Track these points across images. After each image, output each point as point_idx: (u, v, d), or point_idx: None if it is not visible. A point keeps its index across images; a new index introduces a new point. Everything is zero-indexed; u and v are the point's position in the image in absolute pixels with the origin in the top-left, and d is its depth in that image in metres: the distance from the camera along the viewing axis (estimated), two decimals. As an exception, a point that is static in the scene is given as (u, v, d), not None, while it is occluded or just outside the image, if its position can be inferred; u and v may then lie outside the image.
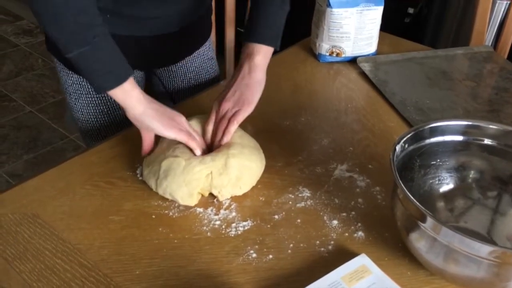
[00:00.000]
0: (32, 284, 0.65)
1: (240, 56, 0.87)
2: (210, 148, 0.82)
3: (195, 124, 0.84)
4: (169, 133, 0.77)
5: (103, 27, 0.74)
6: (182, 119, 0.80)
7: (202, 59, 1.11)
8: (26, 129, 2.21)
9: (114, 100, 1.00)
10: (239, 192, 0.77)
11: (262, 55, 0.85)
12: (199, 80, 1.12)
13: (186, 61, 1.09)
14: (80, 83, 0.98)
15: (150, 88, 1.16)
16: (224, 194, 0.76)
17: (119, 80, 0.74)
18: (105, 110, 1.01)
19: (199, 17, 1.03)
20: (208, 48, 1.13)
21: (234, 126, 0.80)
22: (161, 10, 0.91)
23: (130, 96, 0.75)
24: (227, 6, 1.34)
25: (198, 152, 0.78)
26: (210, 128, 0.83)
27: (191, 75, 1.11)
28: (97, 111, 1.00)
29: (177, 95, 1.13)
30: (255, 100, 0.83)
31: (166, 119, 0.77)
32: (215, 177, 0.75)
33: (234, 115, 0.80)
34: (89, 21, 0.72)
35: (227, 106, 0.82)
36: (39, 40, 2.92)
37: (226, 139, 0.79)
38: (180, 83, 1.11)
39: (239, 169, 0.76)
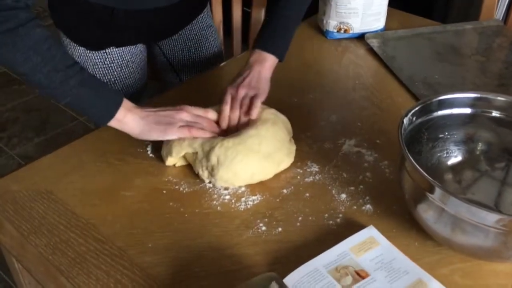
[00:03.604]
0: (48, 257, 0.67)
1: (249, 59, 0.89)
2: (225, 131, 0.82)
3: (211, 113, 0.83)
4: (170, 137, 0.78)
5: (78, 74, 0.73)
6: (181, 114, 0.79)
7: (201, 26, 1.12)
8: (36, 112, 2.24)
9: (120, 71, 1.02)
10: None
11: (271, 63, 0.89)
12: (199, 48, 1.13)
13: (185, 30, 1.10)
14: (87, 54, 0.99)
15: (152, 59, 1.17)
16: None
17: (110, 115, 0.76)
18: (112, 79, 1.03)
19: None
20: (207, 16, 1.13)
21: (257, 109, 0.82)
22: None
23: (124, 123, 0.77)
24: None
25: (207, 134, 0.79)
26: (226, 109, 0.82)
27: (191, 43, 1.12)
28: (104, 81, 1.02)
29: (179, 64, 1.14)
30: (267, 90, 0.86)
31: (163, 124, 0.78)
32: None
33: (254, 97, 0.82)
34: (62, 78, 0.72)
35: (243, 91, 0.84)
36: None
37: (254, 115, 0.81)
38: (180, 52, 1.12)
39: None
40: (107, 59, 0.99)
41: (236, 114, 0.82)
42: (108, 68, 1.01)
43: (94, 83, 0.76)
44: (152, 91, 1.17)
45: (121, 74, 1.02)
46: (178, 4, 0.97)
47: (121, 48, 1.00)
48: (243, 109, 0.82)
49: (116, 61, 1.00)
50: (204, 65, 1.15)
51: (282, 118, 0.83)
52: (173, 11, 0.99)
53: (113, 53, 1.00)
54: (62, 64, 0.72)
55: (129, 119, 0.77)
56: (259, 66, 0.87)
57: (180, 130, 0.78)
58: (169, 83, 1.17)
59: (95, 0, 0.87)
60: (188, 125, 0.78)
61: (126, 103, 0.77)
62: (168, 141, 0.79)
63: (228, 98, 0.83)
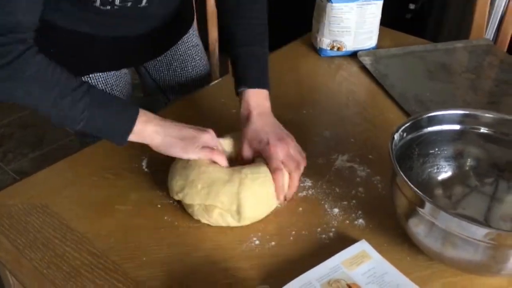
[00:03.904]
0: (42, 271, 0.67)
1: (244, 106, 0.81)
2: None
3: (227, 143, 0.81)
4: (190, 156, 0.74)
5: (86, 95, 0.71)
6: (206, 136, 0.75)
7: (186, 46, 1.11)
8: (32, 128, 2.24)
9: (120, 81, 1.01)
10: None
11: (267, 99, 0.83)
12: (185, 68, 1.12)
13: (171, 51, 1.10)
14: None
15: (140, 80, 1.18)
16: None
17: (127, 131, 0.73)
18: (116, 85, 1.02)
19: (181, 10, 1.03)
20: (192, 35, 1.13)
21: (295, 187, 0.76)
22: (144, 24, 0.93)
23: (143, 136, 0.74)
24: (208, 7, 1.34)
25: (224, 163, 0.75)
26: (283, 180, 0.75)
27: (177, 63, 1.11)
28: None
29: (165, 84, 1.14)
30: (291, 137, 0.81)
31: (186, 142, 0.74)
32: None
33: (297, 167, 0.76)
34: (70, 103, 0.69)
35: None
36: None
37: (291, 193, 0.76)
38: (166, 72, 1.11)
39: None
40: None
41: (294, 187, 0.76)
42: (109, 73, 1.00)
43: (104, 101, 0.73)
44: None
45: (123, 85, 1.02)
46: (160, 29, 0.98)
47: (104, 74, 0.99)
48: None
49: (100, 86, 0.99)
50: (191, 85, 1.13)
51: None
52: (156, 36, 0.99)
53: (96, 77, 0.98)
54: (67, 88, 0.69)
55: (149, 131, 0.74)
56: (266, 116, 0.80)
57: (202, 151, 0.74)
58: (159, 103, 1.16)
59: (75, 28, 0.88)
60: (210, 147, 0.75)
61: (144, 115, 0.74)
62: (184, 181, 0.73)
63: (277, 165, 0.74)
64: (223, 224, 0.72)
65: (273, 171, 0.73)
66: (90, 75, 0.98)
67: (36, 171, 0.83)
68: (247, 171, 0.73)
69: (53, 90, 0.69)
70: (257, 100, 0.81)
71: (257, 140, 0.77)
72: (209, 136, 0.76)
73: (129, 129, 0.73)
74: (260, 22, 0.88)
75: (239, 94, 0.83)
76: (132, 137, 0.74)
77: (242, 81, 0.82)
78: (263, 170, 0.74)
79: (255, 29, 0.87)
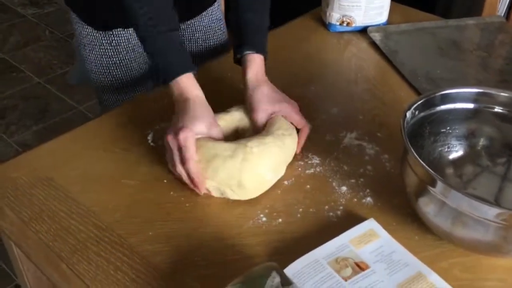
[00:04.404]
0: (48, 244, 0.67)
1: (253, 70, 0.82)
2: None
3: (235, 116, 0.81)
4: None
5: (173, 31, 0.78)
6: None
7: (209, 19, 1.11)
8: (35, 100, 2.23)
9: (126, 54, 1.01)
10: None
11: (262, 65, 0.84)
12: (207, 41, 1.13)
13: (194, 21, 1.10)
14: (94, 34, 0.99)
15: None
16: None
17: (183, 70, 0.76)
18: (118, 62, 1.02)
19: None
20: (216, 9, 1.12)
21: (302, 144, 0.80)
22: None
23: (182, 92, 0.76)
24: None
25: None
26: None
27: (199, 34, 1.11)
28: (110, 62, 1.02)
29: None
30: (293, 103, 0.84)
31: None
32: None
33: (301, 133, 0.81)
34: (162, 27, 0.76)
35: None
36: (46, 11, 2.90)
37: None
38: (187, 42, 1.12)
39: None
40: (113, 41, 0.99)
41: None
42: (114, 50, 1.00)
43: (182, 47, 0.79)
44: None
45: (126, 57, 1.02)
46: None
47: (128, 31, 1.00)
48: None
49: (122, 44, 1.00)
50: (211, 57, 1.13)
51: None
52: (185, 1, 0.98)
53: (119, 35, 0.99)
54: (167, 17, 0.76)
55: (191, 92, 0.76)
56: (264, 84, 0.82)
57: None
58: None
59: None
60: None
61: (192, 81, 0.77)
62: None
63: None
64: (220, 196, 0.73)
65: (302, 126, 0.81)
66: (114, 31, 0.98)
67: (39, 143, 0.83)
68: (252, 144, 0.72)
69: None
70: (262, 65, 0.84)
71: (271, 102, 0.80)
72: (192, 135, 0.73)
73: (185, 70, 0.76)
74: None
75: (242, 58, 0.84)
76: (178, 83, 0.76)
77: (250, 45, 0.84)
78: (269, 139, 0.74)
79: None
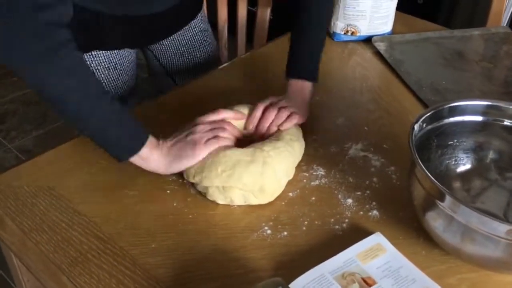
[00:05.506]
0: (49, 255, 0.66)
1: (288, 91, 0.87)
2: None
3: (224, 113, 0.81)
4: (201, 156, 0.73)
5: (108, 105, 0.70)
6: (199, 128, 0.75)
7: (194, 31, 1.09)
8: (35, 105, 2.22)
9: (108, 73, 0.99)
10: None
11: (310, 89, 0.88)
12: (193, 53, 1.11)
13: (178, 35, 1.08)
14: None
15: (145, 61, 1.15)
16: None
17: (133, 151, 0.72)
18: (103, 82, 0.99)
19: None
20: (201, 21, 1.11)
21: (291, 124, 0.80)
22: (159, 2, 0.91)
23: (149, 161, 0.73)
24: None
25: (228, 142, 0.76)
26: (259, 111, 0.81)
27: (184, 48, 1.09)
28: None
29: (172, 68, 1.12)
30: (307, 115, 0.85)
31: (189, 148, 0.73)
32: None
33: (292, 114, 0.81)
34: (91, 107, 0.69)
35: (283, 103, 0.83)
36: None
37: (286, 126, 0.79)
38: (173, 56, 1.10)
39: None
40: (93, 62, 0.96)
41: (268, 119, 0.79)
42: (94, 70, 0.97)
43: (122, 116, 0.72)
44: (144, 93, 1.16)
45: (108, 77, 0.99)
46: (171, 10, 0.95)
47: (108, 51, 0.97)
48: (277, 121, 0.79)
49: (102, 64, 0.97)
50: (199, 70, 1.12)
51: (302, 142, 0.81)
52: (166, 17, 0.97)
53: (99, 55, 0.96)
54: (94, 91, 0.69)
55: (154, 157, 0.72)
56: (300, 93, 0.86)
57: (208, 146, 0.73)
58: (165, 86, 1.14)
59: (87, 5, 0.85)
60: (214, 136, 0.75)
61: (152, 141, 0.73)
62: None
63: (266, 102, 0.81)
64: (243, 203, 0.72)
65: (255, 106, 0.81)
66: (93, 52, 0.96)
67: (39, 149, 0.82)
68: (268, 148, 0.73)
69: (82, 89, 0.67)
70: (298, 89, 0.87)
71: (282, 99, 0.84)
72: (201, 127, 0.76)
73: (136, 150, 0.71)
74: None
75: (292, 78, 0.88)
76: (136, 160, 0.72)
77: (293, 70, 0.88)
78: (280, 143, 0.75)
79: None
